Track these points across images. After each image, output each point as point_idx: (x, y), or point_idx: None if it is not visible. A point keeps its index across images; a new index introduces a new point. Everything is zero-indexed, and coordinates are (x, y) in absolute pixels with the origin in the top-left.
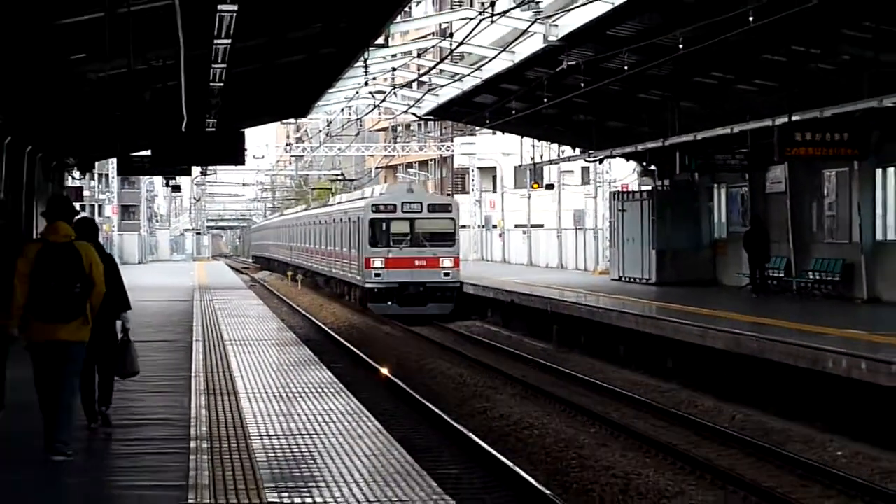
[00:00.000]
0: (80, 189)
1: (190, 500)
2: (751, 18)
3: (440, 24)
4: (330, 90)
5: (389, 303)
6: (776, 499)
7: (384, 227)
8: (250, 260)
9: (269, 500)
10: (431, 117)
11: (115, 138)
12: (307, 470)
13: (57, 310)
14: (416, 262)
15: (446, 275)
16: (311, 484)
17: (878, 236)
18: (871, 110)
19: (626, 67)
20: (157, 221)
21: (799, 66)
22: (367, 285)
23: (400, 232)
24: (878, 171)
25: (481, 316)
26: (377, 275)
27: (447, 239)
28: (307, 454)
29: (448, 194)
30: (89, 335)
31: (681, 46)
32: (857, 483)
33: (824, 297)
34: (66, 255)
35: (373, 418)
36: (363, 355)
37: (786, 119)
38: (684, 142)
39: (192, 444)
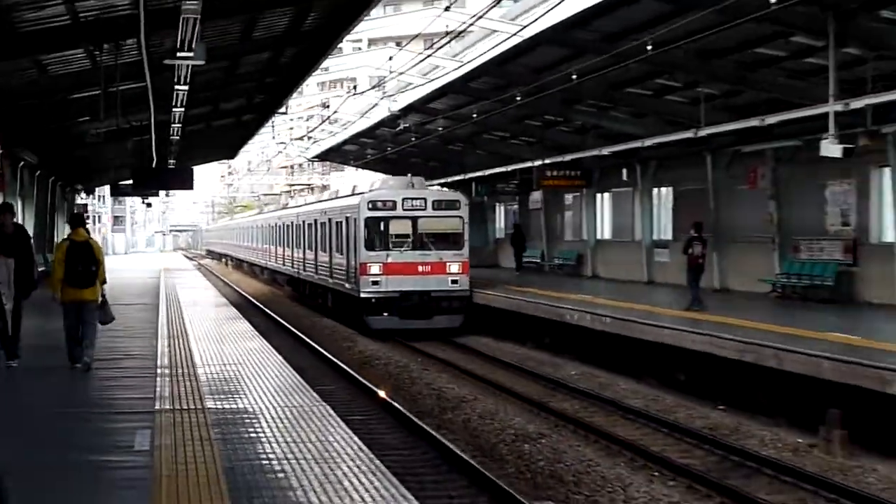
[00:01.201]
0: (86, 205)
1: (157, 406)
2: (518, 99)
3: (322, 100)
4: (250, 141)
5: (387, 314)
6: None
7: (382, 228)
8: (202, 252)
9: (208, 405)
10: (316, 159)
11: (108, 172)
12: (233, 386)
13: (82, 281)
14: (420, 268)
15: (454, 282)
16: (235, 395)
17: (598, 236)
18: (594, 157)
19: (440, 129)
20: (135, 226)
21: (549, 128)
22: (364, 295)
23: (401, 233)
24: (598, 195)
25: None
26: (375, 283)
27: (455, 241)
28: (233, 377)
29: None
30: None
31: (474, 116)
32: (588, 393)
33: (565, 275)
34: (85, 249)
35: (278, 354)
36: (272, 313)
37: (541, 162)
38: (477, 176)
39: (158, 370)
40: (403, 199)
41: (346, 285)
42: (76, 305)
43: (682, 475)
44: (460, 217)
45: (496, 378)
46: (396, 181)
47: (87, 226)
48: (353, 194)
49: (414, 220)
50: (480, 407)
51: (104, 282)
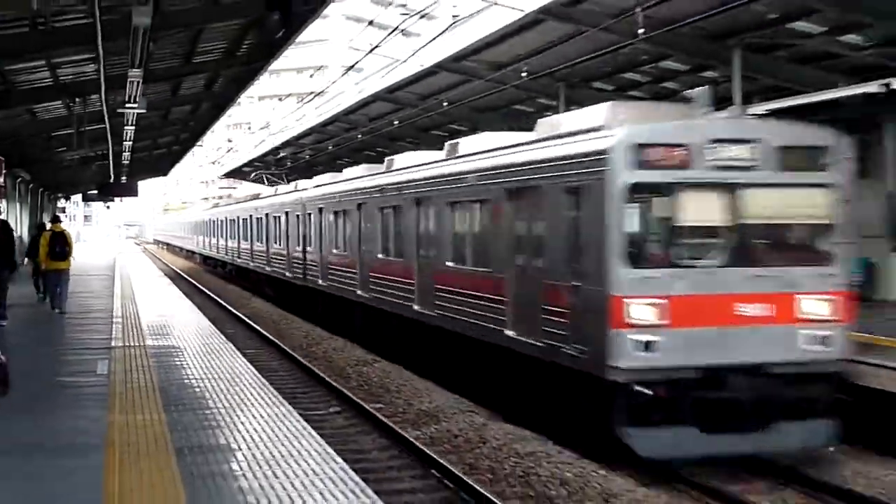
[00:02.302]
0: (64, 208)
1: (112, 344)
2: (359, 137)
3: (227, 139)
4: (177, 164)
5: (677, 427)
6: None
7: (667, 214)
8: (146, 240)
9: (148, 343)
10: (224, 177)
11: (79, 185)
12: (165, 331)
13: (60, 257)
14: (743, 309)
15: (820, 342)
16: (166, 336)
17: None
18: None
19: (307, 156)
20: (98, 222)
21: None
22: (623, 377)
23: (709, 225)
24: None
25: None
26: (647, 346)
27: (817, 243)
28: (165, 324)
29: None
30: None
31: (330, 148)
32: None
33: None
34: (61, 236)
35: (197, 310)
36: (194, 281)
37: None
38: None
39: (114, 320)
40: (712, 144)
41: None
42: (56, 272)
43: None
44: (831, 187)
45: None
46: (695, 100)
47: (63, 222)
48: (583, 134)
49: (735, 193)
50: (335, 344)
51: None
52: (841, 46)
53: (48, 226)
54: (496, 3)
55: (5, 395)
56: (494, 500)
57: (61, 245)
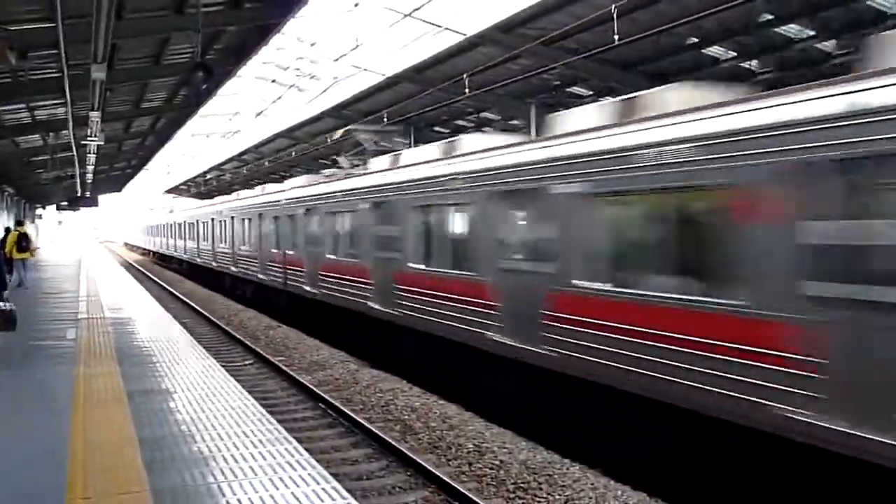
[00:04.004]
0: (41, 215)
1: (79, 316)
2: (266, 162)
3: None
4: (129, 183)
5: None
6: None
7: None
8: (109, 240)
9: (107, 315)
10: (167, 193)
11: (53, 197)
12: (121, 306)
13: (24, 250)
14: None
15: None
16: (122, 310)
17: None
18: None
19: (227, 178)
20: (69, 226)
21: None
22: None
23: None
24: None
25: None
26: None
27: None
28: (121, 301)
29: None
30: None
31: (245, 172)
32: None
33: None
34: (26, 235)
35: (146, 291)
36: (145, 270)
37: None
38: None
39: (80, 298)
40: None
41: None
42: (21, 260)
43: None
44: None
45: None
46: None
47: (25, 225)
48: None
49: None
50: (251, 314)
51: (34, 250)
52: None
53: (13, 228)
54: (365, 70)
55: (13, 330)
56: (365, 423)
57: (25, 241)
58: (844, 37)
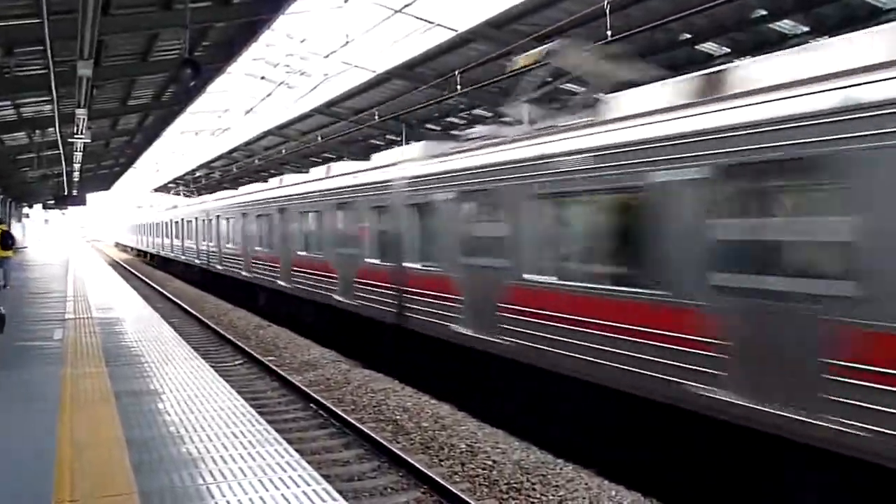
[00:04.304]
0: (28, 214)
1: (66, 316)
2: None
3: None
4: (117, 181)
5: None
6: None
7: None
8: (95, 239)
9: (94, 315)
10: (154, 191)
11: (41, 196)
12: (108, 306)
13: (7, 248)
14: None
15: None
16: (109, 310)
17: None
18: None
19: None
20: (58, 225)
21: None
22: None
23: None
24: None
25: None
26: None
27: None
28: (108, 301)
29: None
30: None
31: (234, 170)
32: None
33: None
34: (8, 234)
35: (133, 290)
36: (131, 268)
37: None
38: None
39: (68, 297)
40: None
41: None
42: (5, 258)
43: None
44: None
45: None
46: None
47: (4, 223)
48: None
49: None
50: (240, 314)
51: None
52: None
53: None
54: (355, 66)
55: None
56: (357, 423)
57: (11, 240)
58: (839, 33)
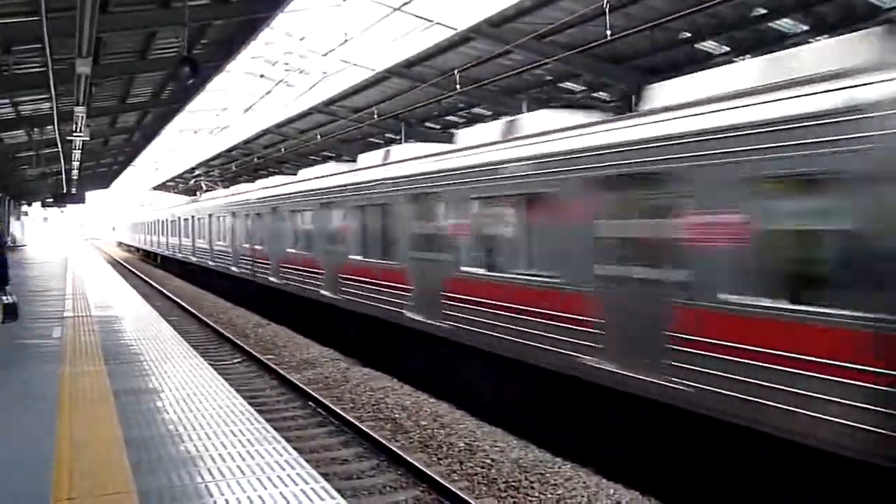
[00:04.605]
0: (27, 212)
1: (65, 315)
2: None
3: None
4: (116, 179)
5: None
6: None
7: None
8: (93, 237)
9: (93, 313)
10: (153, 189)
11: (39, 194)
12: (107, 304)
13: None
14: None
15: None
16: (108, 308)
17: None
18: None
19: (216, 175)
20: (57, 222)
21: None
22: None
23: None
24: None
25: None
26: None
27: None
28: (107, 299)
29: None
30: None
31: (233, 169)
32: None
33: None
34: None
35: (132, 288)
36: (129, 266)
37: None
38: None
39: (66, 295)
40: None
41: None
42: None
43: None
44: None
45: None
46: None
47: (14, 223)
48: None
49: None
50: (239, 312)
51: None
52: (595, 100)
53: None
54: (354, 65)
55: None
56: (355, 422)
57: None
58: (839, 32)
